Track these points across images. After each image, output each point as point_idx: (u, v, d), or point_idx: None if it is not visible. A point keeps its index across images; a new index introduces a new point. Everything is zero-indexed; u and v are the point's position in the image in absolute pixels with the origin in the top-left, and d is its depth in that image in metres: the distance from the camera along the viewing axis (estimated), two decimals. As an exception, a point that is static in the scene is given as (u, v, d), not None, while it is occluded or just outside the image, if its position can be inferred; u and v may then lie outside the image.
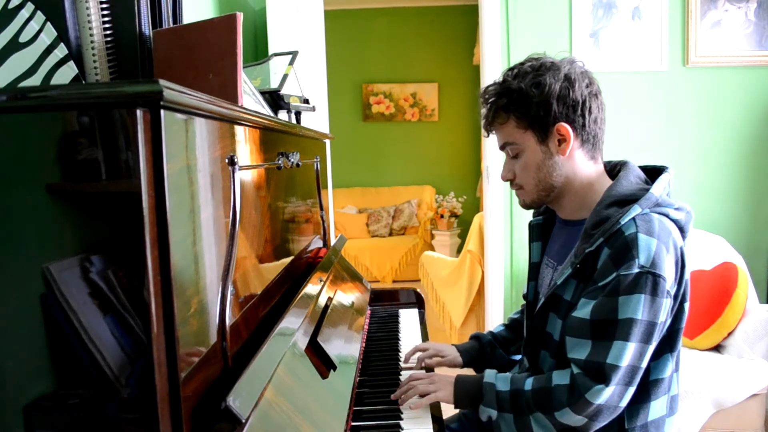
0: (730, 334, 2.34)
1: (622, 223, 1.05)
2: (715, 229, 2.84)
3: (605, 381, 1.02)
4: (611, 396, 1.02)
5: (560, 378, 1.07)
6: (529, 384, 1.10)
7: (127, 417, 0.61)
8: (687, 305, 1.11)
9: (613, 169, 1.20)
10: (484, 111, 1.19)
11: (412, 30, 5.78)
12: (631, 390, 1.04)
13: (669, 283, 1.03)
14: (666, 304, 1.03)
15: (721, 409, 2.12)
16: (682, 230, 1.11)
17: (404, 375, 1.34)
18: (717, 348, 2.38)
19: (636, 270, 1.01)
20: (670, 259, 1.04)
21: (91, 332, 0.60)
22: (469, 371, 1.33)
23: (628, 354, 1.02)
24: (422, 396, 1.16)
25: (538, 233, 1.31)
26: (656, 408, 1.10)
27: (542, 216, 1.31)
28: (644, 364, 1.04)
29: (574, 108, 1.11)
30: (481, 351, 1.42)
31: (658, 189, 1.09)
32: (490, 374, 1.15)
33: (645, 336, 1.02)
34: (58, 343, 0.60)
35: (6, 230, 0.60)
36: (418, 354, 1.39)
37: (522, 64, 1.16)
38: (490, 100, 1.17)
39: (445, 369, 1.39)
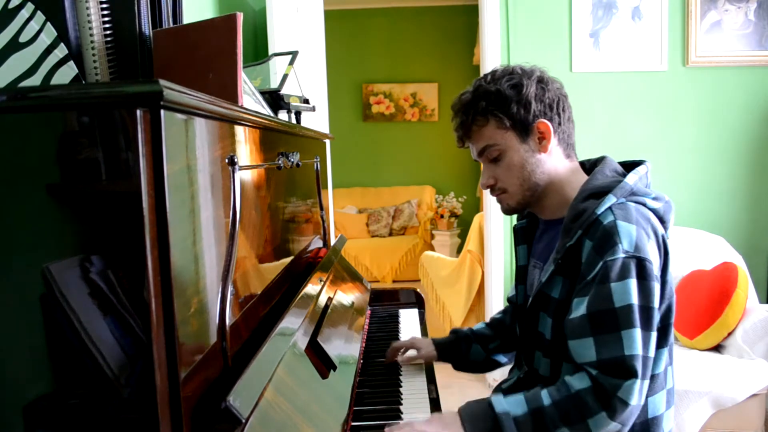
0: (730, 334, 2.33)
1: (599, 213, 1.06)
2: (715, 229, 2.84)
3: (633, 374, 0.97)
4: (641, 391, 0.98)
5: (579, 382, 1.00)
6: (547, 397, 1.01)
7: (127, 417, 0.61)
8: (673, 301, 1.11)
9: (593, 166, 1.20)
10: (458, 120, 1.19)
11: (412, 30, 5.77)
12: (647, 383, 1.01)
13: (656, 267, 1.04)
14: (656, 288, 1.03)
15: (721, 409, 2.12)
16: (662, 220, 1.12)
17: (404, 375, 1.34)
18: (717, 348, 2.38)
19: (621, 255, 1.02)
20: (653, 245, 1.05)
21: (91, 332, 0.60)
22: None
23: (638, 341, 0.99)
24: None
25: (523, 236, 1.31)
26: (655, 404, 1.10)
27: (525, 219, 1.32)
28: (651, 353, 1.01)
29: (551, 106, 1.14)
30: (457, 345, 1.41)
31: (632, 179, 1.10)
32: (498, 401, 1.03)
33: (644, 322, 1.01)
34: (58, 343, 0.60)
35: (6, 230, 0.60)
36: (400, 357, 1.40)
37: (493, 72, 1.19)
38: (466, 107, 1.17)
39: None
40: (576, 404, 0.99)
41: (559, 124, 1.16)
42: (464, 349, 1.41)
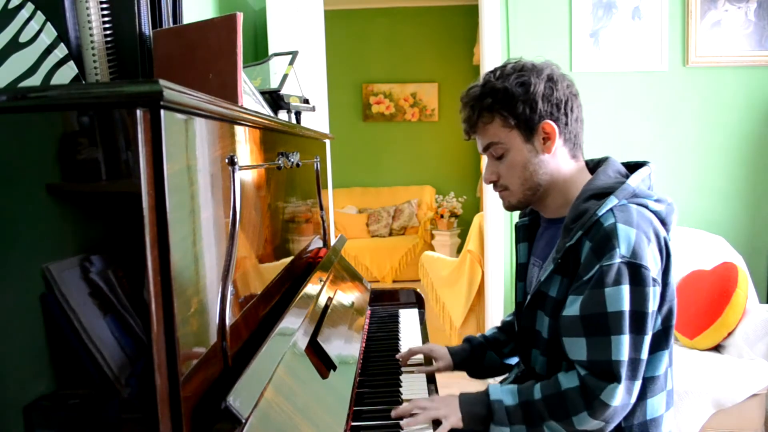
0: (730, 334, 2.33)
1: (600, 214, 1.06)
2: (715, 229, 2.84)
3: (616, 378, 1.01)
4: (624, 394, 1.02)
5: (568, 381, 1.06)
6: (538, 392, 1.07)
7: (127, 417, 0.61)
8: (674, 303, 1.11)
9: (597, 166, 1.20)
10: (465, 114, 1.19)
11: (412, 30, 5.77)
12: (638, 384, 1.04)
13: (654, 272, 1.04)
14: (653, 292, 1.04)
15: (721, 409, 2.12)
16: (664, 222, 1.12)
17: (404, 375, 1.34)
18: (717, 348, 2.38)
19: (617, 260, 1.02)
20: (653, 248, 1.05)
21: (91, 332, 0.60)
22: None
23: (625, 347, 1.02)
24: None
25: (525, 234, 1.32)
26: (654, 405, 1.10)
27: (528, 217, 1.32)
28: (644, 356, 1.04)
29: (558, 106, 1.13)
30: (472, 354, 1.41)
31: (634, 180, 1.10)
32: (494, 390, 1.11)
33: (636, 327, 1.03)
34: (58, 343, 0.60)
35: (6, 230, 0.60)
36: (413, 358, 1.40)
37: (503, 66, 1.17)
38: (473, 102, 1.17)
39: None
40: (563, 401, 1.05)
41: (566, 124, 1.14)
42: (479, 357, 1.41)
